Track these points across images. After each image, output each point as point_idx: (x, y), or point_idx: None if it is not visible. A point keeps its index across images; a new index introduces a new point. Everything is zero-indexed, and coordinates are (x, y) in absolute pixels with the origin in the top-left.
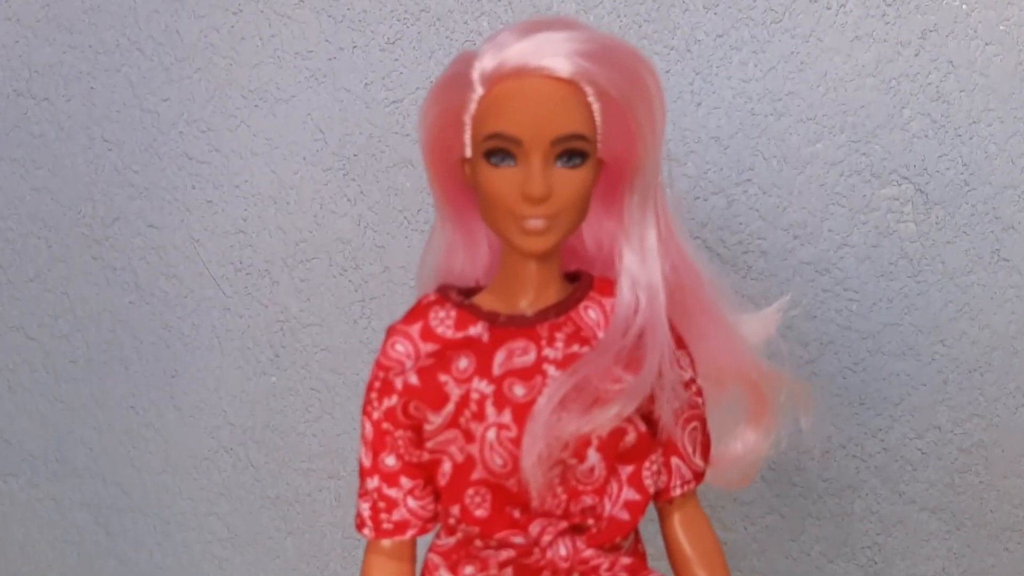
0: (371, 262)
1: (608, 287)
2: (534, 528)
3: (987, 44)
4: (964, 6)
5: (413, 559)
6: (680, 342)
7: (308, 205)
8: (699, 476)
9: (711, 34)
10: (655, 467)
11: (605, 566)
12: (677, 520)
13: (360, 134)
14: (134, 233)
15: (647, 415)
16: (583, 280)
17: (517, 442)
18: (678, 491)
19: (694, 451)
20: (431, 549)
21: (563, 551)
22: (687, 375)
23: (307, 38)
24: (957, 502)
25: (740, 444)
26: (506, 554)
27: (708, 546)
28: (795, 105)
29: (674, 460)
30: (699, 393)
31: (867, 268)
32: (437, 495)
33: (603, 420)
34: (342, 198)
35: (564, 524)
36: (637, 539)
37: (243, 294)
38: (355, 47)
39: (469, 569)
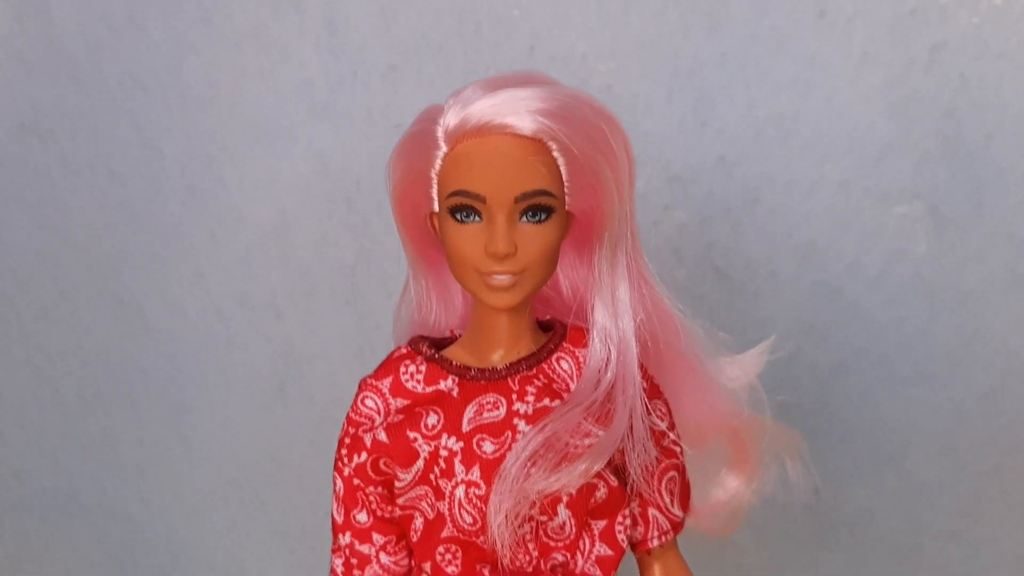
0: (374, 292)
1: (581, 337)
2: None
3: (998, 58)
4: (975, 19)
5: None
6: (655, 391)
7: (311, 236)
8: (678, 526)
9: (714, 56)
10: (628, 521)
11: None
12: (657, 571)
13: (361, 164)
14: (139, 267)
15: (619, 469)
16: (556, 330)
17: (486, 500)
18: (656, 542)
19: (672, 501)
20: None
21: None
22: (662, 424)
23: (307, 69)
24: (975, 529)
25: (722, 491)
26: None
27: None
28: (802, 126)
29: (651, 511)
30: (675, 442)
31: (879, 290)
32: (410, 550)
33: (572, 478)
34: (344, 229)
35: None
36: None
37: (247, 328)
38: (355, 76)
39: None
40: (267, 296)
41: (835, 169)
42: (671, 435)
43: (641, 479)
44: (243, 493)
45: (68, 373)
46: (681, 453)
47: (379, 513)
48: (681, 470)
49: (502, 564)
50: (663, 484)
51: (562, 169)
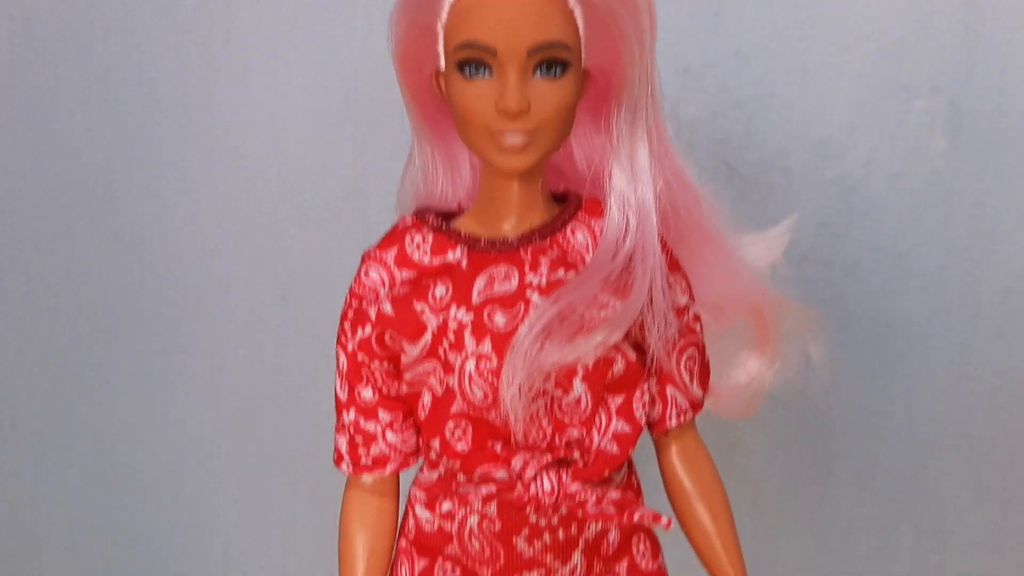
0: (377, 209)
1: (597, 208)
2: (516, 462)
3: None
4: None
5: (396, 495)
6: (675, 265)
7: (310, 150)
8: (697, 405)
9: None
10: (647, 397)
11: (592, 501)
12: (674, 452)
13: (359, 77)
14: (136, 202)
15: (638, 344)
16: (571, 201)
17: (497, 373)
18: (674, 422)
19: (691, 379)
20: (414, 483)
21: (547, 486)
22: (682, 300)
23: None
24: (989, 426)
25: (743, 373)
26: (487, 489)
27: (707, 480)
28: (820, 13)
29: (669, 389)
30: (696, 319)
31: (895, 187)
32: (418, 429)
33: (587, 349)
34: (346, 140)
35: (548, 458)
36: (631, 472)
37: (247, 259)
38: None
39: (447, 505)
40: (266, 219)
41: (853, 62)
42: (691, 311)
43: (661, 352)
44: (244, 435)
45: (63, 314)
46: (701, 331)
47: (385, 390)
48: (701, 348)
49: (514, 440)
50: (682, 362)
51: (579, 20)
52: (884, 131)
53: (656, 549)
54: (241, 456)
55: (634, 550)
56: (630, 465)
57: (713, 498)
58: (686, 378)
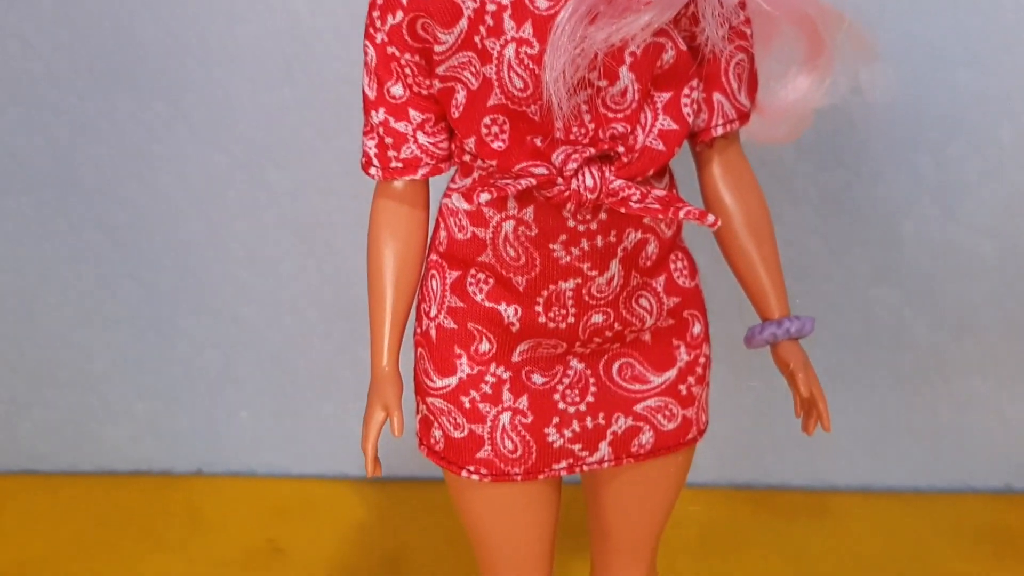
0: None
1: None
2: (557, 156)
3: None
4: None
5: (426, 205)
6: None
7: None
8: (744, 116)
9: None
10: (695, 94)
11: (635, 198)
12: (717, 167)
13: None
14: None
15: (688, 39)
16: None
17: (538, 60)
18: (720, 130)
19: (739, 87)
20: (445, 194)
21: (589, 181)
22: None
23: None
24: (1013, 225)
25: (791, 91)
26: (526, 182)
27: (750, 199)
28: None
29: (716, 96)
30: (747, 22)
31: None
32: (451, 132)
33: (635, 28)
34: None
35: (591, 151)
36: (672, 185)
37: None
38: None
39: (484, 196)
40: None
41: None
42: (742, 14)
43: (715, 42)
44: (251, 178)
45: (61, 46)
46: (751, 38)
47: (415, 88)
48: (750, 56)
49: (555, 135)
50: (731, 67)
51: None
52: None
53: (693, 270)
54: (249, 202)
55: (672, 267)
56: (672, 178)
57: (756, 218)
58: (734, 84)
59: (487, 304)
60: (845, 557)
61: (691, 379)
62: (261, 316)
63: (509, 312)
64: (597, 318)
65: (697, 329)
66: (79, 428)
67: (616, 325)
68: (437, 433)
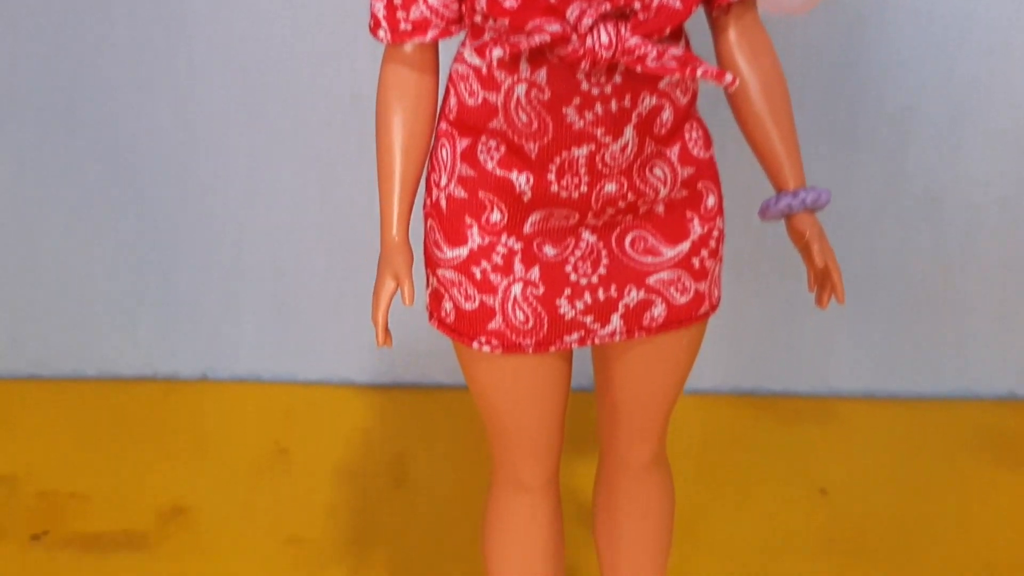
0: None
1: None
2: (572, 13)
3: None
4: None
5: (435, 71)
6: None
7: None
8: None
9: None
10: None
11: (652, 55)
12: (733, 33)
13: None
14: None
15: None
16: None
17: None
18: None
19: None
20: (455, 59)
21: (605, 38)
22: None
23: None
24: (1020, 128)
25: None
26: (540, 38)
27: (767, 67)
28: None
29: None
30: None
31: None
32: None
33: None
34: None
35: (607, 7)
36: (688, 49)
37: None
38: None
39: (497, 52)
40: None
41: None
42: None
43: None
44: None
45: None
46: None
47: None
48: None
49: None
50: None
51: None
52: None
53: (708, 140)
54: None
55: (686, 136)
56: (687, 44)
57: (772, 85)
58: None
59: (499, 172)
60: (848, 463)
61: (704, 252)
62: (266, 223)
63: (521, 180)
64: (610, 187)
65: (711, 201)
66: (83, 333)
67: (629, 195)
68: (448, 305)
